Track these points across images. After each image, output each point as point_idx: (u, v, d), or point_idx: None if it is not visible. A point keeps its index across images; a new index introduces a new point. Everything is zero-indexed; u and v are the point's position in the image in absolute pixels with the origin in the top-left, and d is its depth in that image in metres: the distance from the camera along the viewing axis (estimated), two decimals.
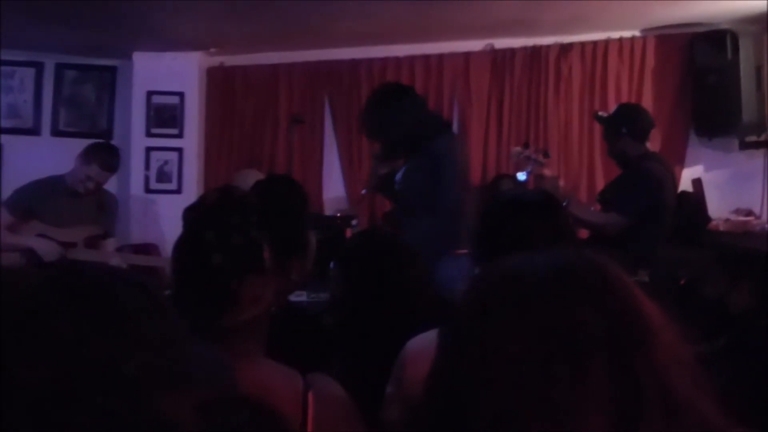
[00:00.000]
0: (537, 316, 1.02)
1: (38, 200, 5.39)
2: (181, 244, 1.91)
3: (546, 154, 5.04)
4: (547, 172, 4.96)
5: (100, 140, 6.35)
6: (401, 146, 4.75)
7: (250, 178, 6.29)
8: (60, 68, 7.54)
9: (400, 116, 4.65)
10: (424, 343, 2.22)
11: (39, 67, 7.50)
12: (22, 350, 0.76)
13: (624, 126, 4.91)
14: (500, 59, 6.96)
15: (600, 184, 6.49)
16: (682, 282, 4.44)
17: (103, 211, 5.65)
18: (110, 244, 5.73)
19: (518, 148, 5.06)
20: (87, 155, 5.47)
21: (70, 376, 0.75)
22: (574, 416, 0.97)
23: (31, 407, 0.73)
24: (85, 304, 0.82)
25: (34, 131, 7.48)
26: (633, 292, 1.07)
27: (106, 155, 5.56)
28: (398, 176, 4.74)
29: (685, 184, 6.40)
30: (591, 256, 1.11)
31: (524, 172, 4.91)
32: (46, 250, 5.21)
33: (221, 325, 1.82)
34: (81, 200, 5.51)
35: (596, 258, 1.11)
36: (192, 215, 1.90)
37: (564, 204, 4.69)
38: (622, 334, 1.01)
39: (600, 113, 5.23)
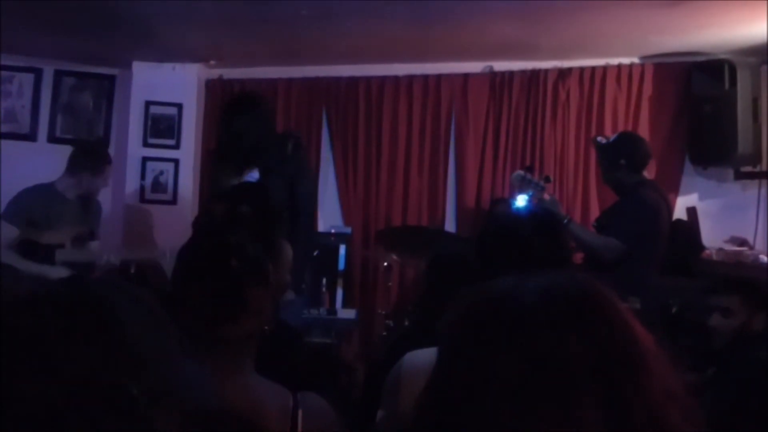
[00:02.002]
0: (526, 342, 1.00)
1: (34, 209, 5.41)
2: (189, 252, 1.91)
3: (547, 179, 5.06)
4: (547, 196, 4.98)
5: (83, 142, 6.41)
6: (250, 157, 4.72)
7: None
8: (59, 75, 7.54)
9: (249, 127, 4.65)
10: (421, 360, 2.21)
11: (38, 73, 7.49)
12: (20, 364, 0.76)
13: (622, 157, 4.94)
14: (499, 81, 6.98)
15: (594, 208, 6.50)
16: (674, 310, 4.44)
17: (88, 212, 5.67)
18: (95, 245, 5.75)
19: (521, 172, 5.07)
20: (96, 169, 5.51)
21: (64, 390, 0.75)
22: None
23: (26, 419, 0.73)
24: (83, 321, 0.82)
25: (30, 137, 7.47)
26: (625, 319, 1.06)
27: (94, 161, 5.60)
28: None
29: (679, 212, 6.43)
30: (583, 280, 1.10)
31: (525, 196, 4.93)
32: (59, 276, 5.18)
33: (220, 337, 1.82)
34: (71, 205, 5.53)
35: (588, 283, 1.09)
36: (204, 225, 1.92)
37: (565, 221, 4.72)
38: (613, 363, 0.99)
39: (599, 139, 5.24)
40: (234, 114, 4.72)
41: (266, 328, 1.92)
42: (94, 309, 0.86)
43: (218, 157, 4.75)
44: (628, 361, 1.00)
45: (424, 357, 2.22)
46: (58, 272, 5.20)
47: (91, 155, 5.71)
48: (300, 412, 1.79)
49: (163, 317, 0.94)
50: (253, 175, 4.72)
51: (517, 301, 1.06)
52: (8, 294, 0.86)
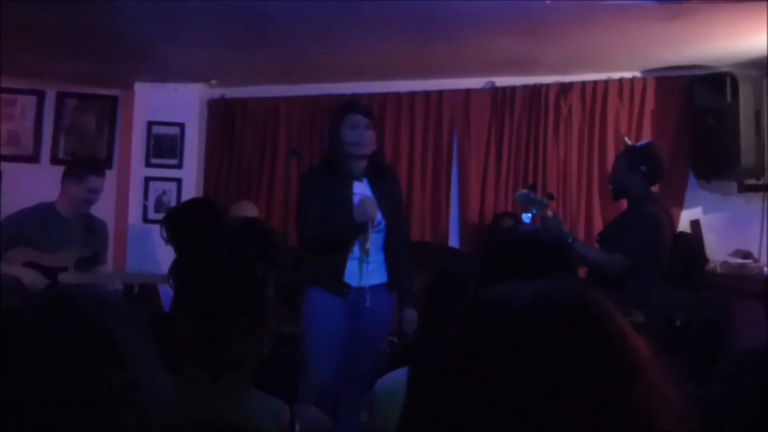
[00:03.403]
0: (518, 347, 0.99)
1: (28, 228, 5.41)
2: (186, 272, 1.92)
3: (550, 197, 5.06)
4: (550, 213, 4.99)
5: (72, 160, 6.45)
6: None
7: (244, 210, 6.31)
8: (61, 97, 7.57)
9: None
10: (392, 382, 2.21)
11: (40, 95, 7.53)
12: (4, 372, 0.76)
13: (644, 164, 4.97)
14: (500, 97, 6.98)
15: (598, 223, 6.49)
16: (678, 323, 4.43)
17: (92, 235, 5.66)
18: (102, 270, 5.74)
19: (524, 191, 5.08)
20: (76, 174, 5.51)
21: (41, 395, 0.75)
22: None
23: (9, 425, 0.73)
24: (61, 331, 0.82)
25: (33, 159, 7.49)
26: (619, 326, 1.04)
27: (92, 164, 5.63)
28: None
29: (683, 225, 6.42)
30: (576, 287, 1.09)
31: (529, 214, 4.94)
32: (32, 280, 5.21)
33: (217, 354, 1.82)
34: (71, 225, 5.54)
35: (581, 289, 1.08)
36: (216, 240, 1.94)
37: (569, 240, 4.72)
38: (606, 368, 0.98)
39: (626, 139, 5.28)
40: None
41: (266, 349, 1.92)
42: (72, 319, 0.85)
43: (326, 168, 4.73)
44: (621, 366, 0.99)
45: (391, 380, 2.21)
46: (31, 276, 5.22)
47: (75, 165, 5.74)
48: (297, 426, 1.78)
49: (145, 332, 0.94)
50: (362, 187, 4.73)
51: (509, 306, 1.05)
52: None
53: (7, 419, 0.75)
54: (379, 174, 4.75)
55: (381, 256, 4.71)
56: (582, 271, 4.89)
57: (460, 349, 1.04)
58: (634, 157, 5.05)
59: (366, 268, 4.60)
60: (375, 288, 4.65)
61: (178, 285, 1.93)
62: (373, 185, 4.73)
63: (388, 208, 4.71)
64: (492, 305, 1.07)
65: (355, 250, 4.64)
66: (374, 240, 4.65)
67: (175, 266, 1.98)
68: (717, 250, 6.20)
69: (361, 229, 4.57)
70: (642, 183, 5.03)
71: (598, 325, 1.03)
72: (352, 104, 4.89)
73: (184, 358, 1.85)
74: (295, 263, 4.71)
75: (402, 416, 1.10)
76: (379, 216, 4.64)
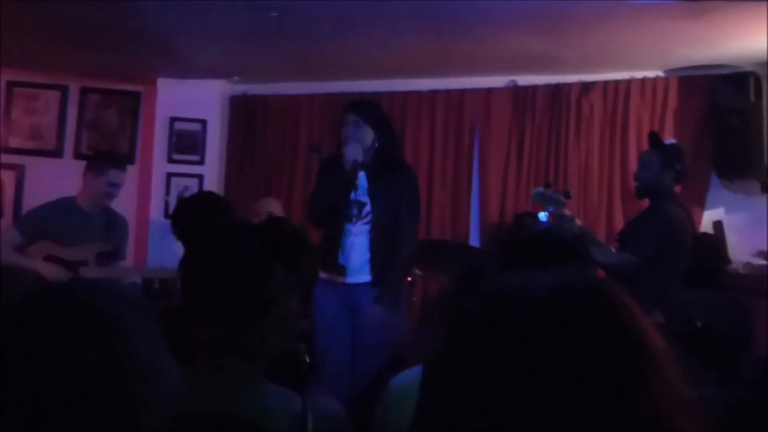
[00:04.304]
0: (533, 338, 0.98)
1: (49, 221, 5.45)
2: (199, 263, 1.93)
3: (567, 195, 5.04)
4: (567, 212, 4.97)
5: (94, 154, 6.51)
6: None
7: (268, 206, 6.33)
8: (84, 92, 7.61)
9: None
10: (407, 378, 2.21)
11: (63, 90, 7.57)
12: (10, 361, 0.76)
13: (678, 162, 4.95)
14: (522, 96, 6.97)
15: (619, 222, 6.45)
16: (699, 324, 4.40)
17: (112, 230, 5.69)
18: (122, 264, 5.78)
19: (540, 189, 5.06)
20: (97, 167, 5.56)
21: (50, 387, 0.76)
22: None
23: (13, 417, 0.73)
24: (72, 321, 0.82)
25: (56, 153, 7.54)
26: (638, 320, 1.03)
27: (114, 158, 5.68)
28: None
29: (705, 226, 6.37)
30: (594, 279, 1.08)
31: (546, 212, 4.92)
32: (53, 273, 5.24)
33: (228, 346, 1.84)
34: (92, 219, 5.57)
35: (600, 281, 1.07)
36: (219, 231, 1.95)
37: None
38: (621, 362, 0.97)
39: (656, 133, 5.27)
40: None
41: (281, 340, 1.93)
42: (82, 310, 0.86)
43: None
44: (637, 360, 0.98)
45: (408, 378, 2.21)
46: (52, 269, 5.26)
47: (97, 158, 5.78)
48: (310, 417, 1.79)
49: (153, 323, 0.94)
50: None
51: (526, 297, 1.04)
52: (4, 292, 0.87)
53: (8, 406, 0.76)
54: (383, 167, 4.77)
55: (366, 246, 4.73)
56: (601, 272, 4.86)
57: (475, 337, 1.03)
58: (668, 154, 5.01)
59: (347, 241, 4.71)
60: (365, 287, 4.70)
61: (183, 277, 1.94)
62: (370, 177, 4.77)
63: (381, 200, 4.74)
64: (509, 293, 1.06)
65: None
66: (360, 230, 4.73)
67: (184, 259, 1.99)
68: (740, 250, 6.16)
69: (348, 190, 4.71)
70: (672, 181, 5.01)
71: (617, 317, 1.01)
72: (348, 103, 5.00)
73: (195, 350, 1.86)
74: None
75: (416, 411, 1.09)
76: (367, 207, 4.73)
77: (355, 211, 4.74)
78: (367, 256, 4.71)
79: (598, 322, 1.00)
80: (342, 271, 4.70)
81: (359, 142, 4.72)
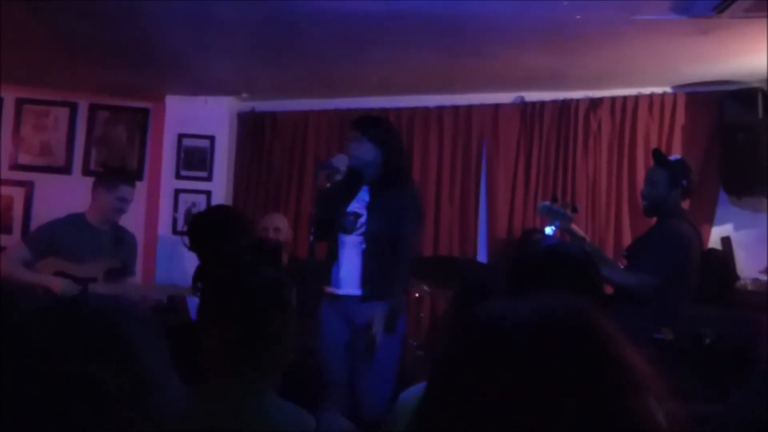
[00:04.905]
0: (513, 364, 0.99)
1: (58, 238, 5.46)
2: (213, 280, 1.94)
3: (574, 209, 5.03)
4: (574, 227, 4.96)
5: (99, 172, 6.53)
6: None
7: (275, 221, 6.34)
8: (93, 109, 7.64)
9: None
10: (414, 395, 2.21)
11: (73, 107, 7.60)
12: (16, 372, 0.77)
13: (686, 179, 4.95)
14: (529, 112, 6.97)
15: (627, 238, 6.44)
16: (707, 341, 4.38)
17: (121, 246, 5.70)
18: (131, 281, 5.78)
19: (547, 203, 5.06)
20: (107, 183, 5.57)
21: (53, 395, 0.77)
22: None
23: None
24: (83, 339, 0.83)
25: (65, 170, 7.56)
26: (616, 343, 1.03)
27: (123, 174, 5.69)
28: None
29: (714, 242, 6.36)
30: (574, 302, 1.08)
31: (552, 227, 4.91)
32: (63, 288, 5.25)
33: (242, 362, 1.84)
34: (101, 236, 5.58)
35: (578, 305, 1.08)
36: (240, 247, 1.97)
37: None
38: (604, 384, 0.98)
39: (659, 151, 5.27)
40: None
41: (291, 355, 1.94)
42: (89, 326, 0.87)
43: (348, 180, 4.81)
44: (619, 382, 0.99)
45: (416, 393, 2.21)
46: (62, 284, 5.26)
47: (106, 174, 5.80)
48: None
49: (159, 338, 0.95)
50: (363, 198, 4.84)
51: (504, 322, 1.05)
52: (11, 306, 0.88)
53: (13, 416, 0.77)
54: (386, 182, 4.78)
55: (358, 258, 4.73)
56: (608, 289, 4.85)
57: (457, 364, 1.05)
58: (675, 171, 5.00)
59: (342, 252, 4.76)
60: (355, 299, 4.70)
61: (203, 291, 1.95)
62: (373, 193, 4.80)
63: (378, 214, 4.75)
64: (487, 320, 1.07)
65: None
66: (353, 241, 4.75)
67: (200, 273, 2.00)
68: (748, 267, 6.14)
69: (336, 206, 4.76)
70: (680, 198, 5.01)
71: (594, 342, 1.02)
72: (354, 120, 5.04)
73: (208, 365, 1.87)
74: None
75: (413, 425, 1.11)
76: (363, 218, 4.75)
77: (350, 221, 4.76)
78: (358, 268, 4.72)
79: (575, 347, 1.01)
80: (336, 282, 4.74)
81: (360, 158, 4.76)
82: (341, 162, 4.74)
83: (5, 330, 0.84)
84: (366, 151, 4.77)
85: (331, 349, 4.70)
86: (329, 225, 4.79)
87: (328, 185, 4.80)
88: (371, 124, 4.94)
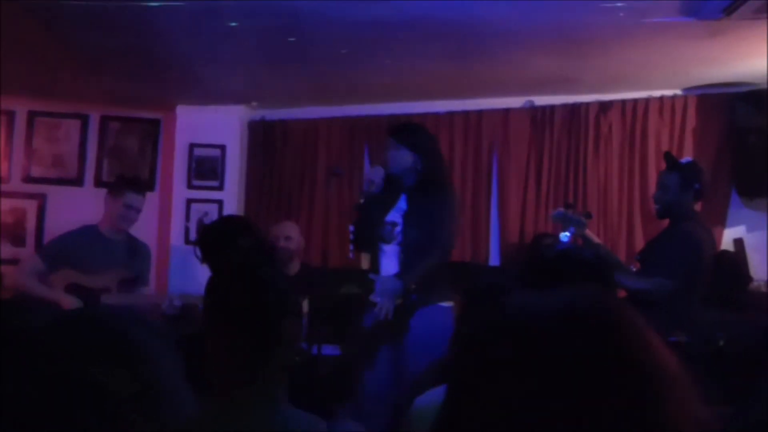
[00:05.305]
0: (539, 360, 0.97)
1: (71, 249, 5.48)
2: (222, 286, 1.96)
3: (588, 215, 5.04)
4: (588, 233, 4.96)
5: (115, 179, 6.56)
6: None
7: (287, 230, 6.34)
8: (104, 120, 7.66)
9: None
10: (430, 400, 2.21)
11: (84, 118, 7.62)
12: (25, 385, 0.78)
13: (698, 182, 4.93)
14: (540, 116, 6.96)
15: (639, 242, 6.43)
16: (721, 343, 4.37)
17: (134, 257, 5.71)
18: (144, 291, 5.79)
19: (561, 209, 5.06)
20: (114, 190, 5.60)
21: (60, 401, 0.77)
22: None
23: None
24: (94, 349, 0.84)
25: (77, 182, 7.58)
26: (645, 339, 1.01)
27: (131, 181, 5.70)
28: None
29: (726, 243, 6.34)
30: (602, 298, 1.06)
31: (567, 233, 4.91)
32: (72, 305, 5.26)
33: (253, 369, 1.85)
34: (114, 247, 5.59)
35: (607, 300, 1.05)
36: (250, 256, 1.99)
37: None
38: (631, 384, 0.96)
39: (671, 154, 5.26)
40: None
41: (297, 358, 1.94)
42: (100, 336, 0.87)
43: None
44: (645, 381, 0.96)
45: (432, 398, 2.21)
46: (71, 302, 5.28)
47: (115, 182, 5.82)
48: None
49: (168, 345, 0.95)
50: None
51: (531, 317, 1.03)
52: (21, 320, 0.89)
53: (20, 422, 0.77)
54: (423, 189, 4.78)
55: (396, 265, 4.74)
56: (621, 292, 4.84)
57: (481, 361, 1.02)
58: (686, 174, 4.99)
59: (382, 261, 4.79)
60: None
61: (213, 300, 1.96)
62: (410, 200, 4.80)
63: (414, 221, 4.75)
64: (514, 315, 1.05)
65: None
66: (393, 250, 4.77)
67: (211, 284, 2.01)
68: (761, 268, 6.12)
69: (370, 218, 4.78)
70: (693, 201, 5.00)
71: (622, 338, 0.99)
72: (390, 127, 5.08)
73: (216, 374, 1.87)
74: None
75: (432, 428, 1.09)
76: (398, 229, 4.75)
77: (387, 231, 4.76)
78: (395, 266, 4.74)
79: (603, 343, 0.98)
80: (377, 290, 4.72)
81: (397, 165, 4.77)
82: (377, 173, 4.77)
83: (14, 343, 0.84)
84: (403, 158, 4.78)
85: (370, 353, 4.69)
86: (368, 236, 4.82)
87: (365, 197, 4.84)
88: (407, 130, 4.96)
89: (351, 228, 4.91)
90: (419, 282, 4.62)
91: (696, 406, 0.98)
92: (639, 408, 0.94)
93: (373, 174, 4.78)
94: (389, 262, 4.76)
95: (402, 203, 4.82)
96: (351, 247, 4.86)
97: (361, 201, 4.86)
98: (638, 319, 1.03)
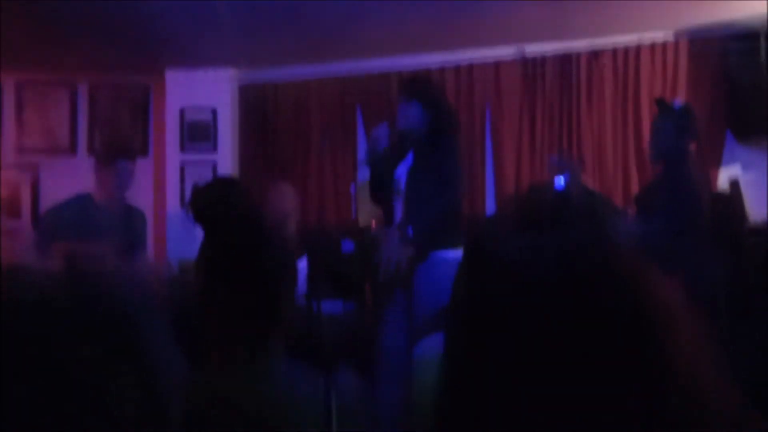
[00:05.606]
0: (542, 304, 0.95)
1: (66, 220, 5.45)
2: (220, 247, 1.95)
3: (582, 162, 5.02)
4: (583, 180, 4.96)
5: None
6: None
7: (280, 192, 6.33)
8: (93, 88, 7.62)
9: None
10: (429, 349, 2.21)
11: (73, 87, 7.59)
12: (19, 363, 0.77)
13: (691, 125, 4.94)
14: (531, 67, 6.93)
15: (635, 189, 6.43)
16: (720, 283, 4.39)
17: (130, 224, 5.69)
18: (142, 258, 5.78)
19: (555, 157, 5.06)
20: (104, 160, 5.56)
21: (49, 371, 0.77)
22: (588, 414, 0.92)
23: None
24: (77, 310, 0.83)
25: (70, 151, 7.56)
26: (651, 277, 0.98)
27: (120, 149, 5.67)
28: None
29: (722, 185, 6.34)
30: (602, 238, 1.05)
31: (562, 179, 4.91)
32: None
33: (252, 328, 1.85)
34: (109, 214, 5.56)
35: (607, 241, 1.05)
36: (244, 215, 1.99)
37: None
38: (640, 324, 0.94)
39: (663, 99, 5.23)
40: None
41: (292, 314, 1.95)
42: (83, 296, 0.87)
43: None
44: (650, 320, 0.94)
45: (429, 345, 2.21)
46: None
47: (104, 152, 5.79)
48: (334, 395, 1.79)
49: (159, 312, 0.94)
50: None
51: (531, 260, 1.01)
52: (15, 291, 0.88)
53: (10, 399, 0.77)
54: (430, 145, 4.78)
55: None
56: None
57: (484, 308, 1.00)
58: (679, 118, 4.98)
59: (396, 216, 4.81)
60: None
61: (206, 259, 1.95)
62: (417, 153, 4.79)
63: (417, 175, 4.74)
64: (513, 260, 1.04)
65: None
66: (400, 204, 4.78)
67: (204, 243, 2.01)
68: (757, 208, 6.12)
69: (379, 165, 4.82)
70: (685, 144, 4.99)
71: (626, 278, 0.98)
72: (400, 82, 5.17)
73: (211, 333, 1.87)
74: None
75: (438, 389, 1.07)
76: (402, 184, 4.76)
77: (396, 186, 4.80)
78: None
79: (606, 283, 0.96)
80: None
81: (408, 120, 4.75)
82: (382, 130, 4.79)
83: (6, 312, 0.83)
84: (413, 113, 4.77)
85: (388, 307, 4.73)
86: (379, 192, 4.87)
87: (372, 154, 4.86)
88: (418, 85, 4.95)
89: (352, 188, 4.92)
90: (428, 233, 4.63)
91: (704, 346, 0.97)
92: (644, 349, 0.93)
93: (378, 130, 4.80)
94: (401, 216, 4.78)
95: (411, 158, 4.83)
96: (353, 206, 4.88)
97: (368, 158, 4.88)
98: (641, 258, 1.01)
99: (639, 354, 0.93)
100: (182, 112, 7.31)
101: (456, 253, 4.51)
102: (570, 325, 0.93)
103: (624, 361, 0.92)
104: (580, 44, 6.74)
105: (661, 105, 5.17)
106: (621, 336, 0.93)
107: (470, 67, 7.04)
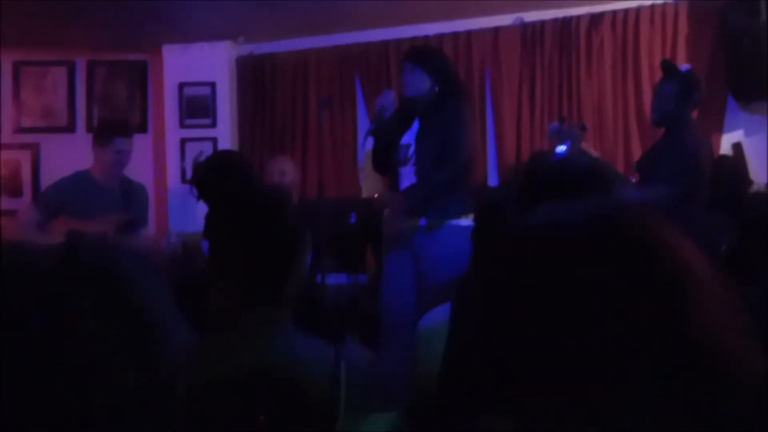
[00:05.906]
0: (566, 270, 0.94)
1: (66, 197, 5.45)
2: (232, 216, 1.96)
3: (583, 127, 5.01)
4: (585, 146, 4.94)
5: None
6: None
7: (280, 165, 6.32)
8: (91, 66, 7.61)
9: None
10: (434, 320, 2.21)
11: (70, 65, 7.57)
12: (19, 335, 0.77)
13: (696, 90, 4.91)
14: (530, 34, 6.89)
15: (636, 155, 6.40)
16: (723, 248, 4.38)
17: (131, 199, 5.68)
18: (143, 233, 5.78)
19: (556, 123, 5.04)
20: (102, 138, 5.55)
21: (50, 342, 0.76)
22: (611, 383, 0.91)
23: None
24: (76, 280, 0.82)
25: (69, 129, 7.55)
26: (670, 239, 0.99)
27: (116, 126, 5.65)
28: None
29: (725, 148, 6.32)
30: (629, 204, 1.04)
31: (564, 146, 4.89)
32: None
33: (262, 298, 1.85)
34: (109, 191, 5.56)
35: (635, 207, 1.03)
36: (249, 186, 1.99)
37: None
38: (665, 290, 0.93)
39: (669, 62, 5.21)
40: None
41: (301, 284, 1.96)
42: (82, 265, 0.86)
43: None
44: (680, 287, 0.94)
45: (435, 316, 2.21)
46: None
47: (101, 129, 5.78)
48: (342, 365, 1.80)
49: (159, 278, 0.94)
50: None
51: (555, 228, 1.01)
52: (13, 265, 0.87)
53: (12, 366, 0.76)
54: (437, 111, 4.77)
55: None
56: None
57: (508, 277, 1.00)
58: (685, 82, 4.95)
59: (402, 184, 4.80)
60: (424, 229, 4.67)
61: (213, 230, 1.95)
62: (423, 121, 4.79)
63: (425, 141, 4.75)
64: (537, 228, 1.03)
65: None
66: (409, 172, 4.77)
67: (210, 216, 2.01)
68: (760, 171, 6.10)
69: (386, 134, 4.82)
70: (688, 109, 4.97)
71: (648, 240, 0.97)
72: (406, 51, 5.18)
73: (218, 303, 1.87)
74: None
75: (444, 357, 1.06)
76: (411, 149, 4.76)
77: (403, 153, 4.79)
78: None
79: (629, 247, 0.96)
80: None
81: (413, 88, 4.76)
82: (388, 98, 4.82)
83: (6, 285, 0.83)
84: (419, 81, 4.77)
85: (393, 277, 4.74)
86: (386, 159, 4.86)
87: (378, 122, 4.88)
88: (423, 53, 4.98)
89: (360, 156, 4.94)
90: (436, 200, 4.62)
91: (728, 309, 0.95)
92: (668, 312, 0.92)
93: (384, 98, 4.82)
94: (408, 185, 4.78)
95: (417, 126, 4.83)
96: (361, 176, 4.89)
97: (373, 126, 4.89)
98: (662, 220, 1.00)
99: (662, 312, 0.92)
100: (181, 87, 7.28)
101: (464, 223, 4.52)
102: (594, 288, 0.93)
103: (648, 323, 0.91)
104: (579, 10, 6.69)
105: (667, 67, 5.14)
106: (645, 296, 0.92)
107: (469, 34, 7.00)
